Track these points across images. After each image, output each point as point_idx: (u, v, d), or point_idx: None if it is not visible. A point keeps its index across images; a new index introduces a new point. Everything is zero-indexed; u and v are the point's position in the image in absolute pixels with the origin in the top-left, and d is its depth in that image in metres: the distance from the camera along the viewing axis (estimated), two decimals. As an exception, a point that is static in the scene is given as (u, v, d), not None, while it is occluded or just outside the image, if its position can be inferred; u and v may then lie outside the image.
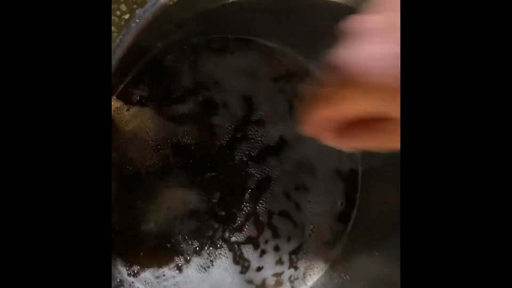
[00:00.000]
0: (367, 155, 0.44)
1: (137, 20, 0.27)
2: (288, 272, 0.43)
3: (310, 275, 0.43)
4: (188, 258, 0.41)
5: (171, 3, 0.27)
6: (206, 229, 0.41)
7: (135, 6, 0.43)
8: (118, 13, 0.42)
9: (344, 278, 0.42)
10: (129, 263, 0.40)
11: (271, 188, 0.42)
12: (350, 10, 0.31)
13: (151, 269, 0.40)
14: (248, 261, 0.42)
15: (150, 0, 0.27)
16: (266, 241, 0.42)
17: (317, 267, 0.44)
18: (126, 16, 0.43)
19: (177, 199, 0.40)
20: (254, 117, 0.42)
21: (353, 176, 0.45)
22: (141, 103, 0.39)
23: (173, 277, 0.40)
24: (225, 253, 0.42)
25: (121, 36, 0.27)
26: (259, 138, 0.42)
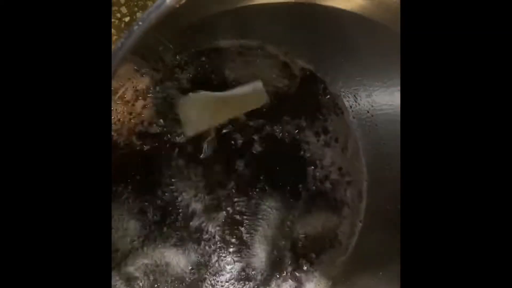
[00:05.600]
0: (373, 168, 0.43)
1: (140, 23, 0.25)
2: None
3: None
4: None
5: (177, 5, 0.25)
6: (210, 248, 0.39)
7: (136, 8, 0.41)
8: (118, 15, 0.41)
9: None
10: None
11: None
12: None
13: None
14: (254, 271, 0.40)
15: (155, 1, 0.25)
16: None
17: (318, 285, 0.42)
18: (127, 19, 0.41)
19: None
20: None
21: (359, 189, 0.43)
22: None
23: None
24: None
25: (122, 40, 0.25)
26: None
